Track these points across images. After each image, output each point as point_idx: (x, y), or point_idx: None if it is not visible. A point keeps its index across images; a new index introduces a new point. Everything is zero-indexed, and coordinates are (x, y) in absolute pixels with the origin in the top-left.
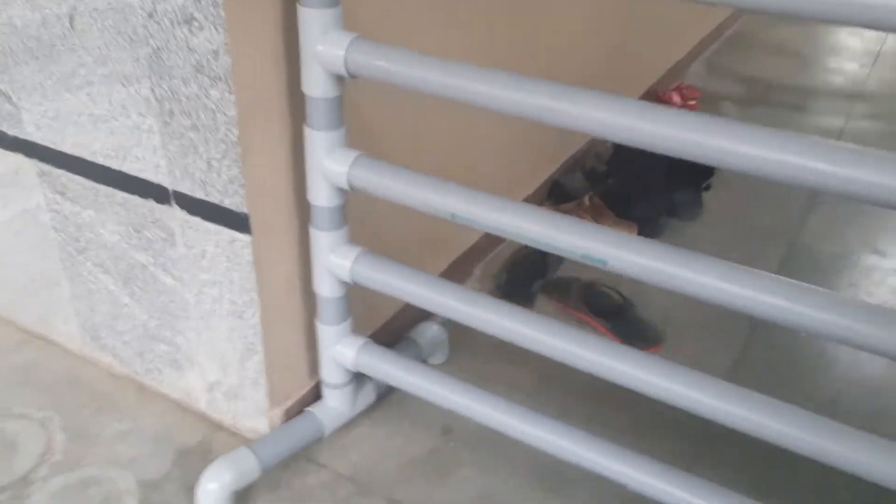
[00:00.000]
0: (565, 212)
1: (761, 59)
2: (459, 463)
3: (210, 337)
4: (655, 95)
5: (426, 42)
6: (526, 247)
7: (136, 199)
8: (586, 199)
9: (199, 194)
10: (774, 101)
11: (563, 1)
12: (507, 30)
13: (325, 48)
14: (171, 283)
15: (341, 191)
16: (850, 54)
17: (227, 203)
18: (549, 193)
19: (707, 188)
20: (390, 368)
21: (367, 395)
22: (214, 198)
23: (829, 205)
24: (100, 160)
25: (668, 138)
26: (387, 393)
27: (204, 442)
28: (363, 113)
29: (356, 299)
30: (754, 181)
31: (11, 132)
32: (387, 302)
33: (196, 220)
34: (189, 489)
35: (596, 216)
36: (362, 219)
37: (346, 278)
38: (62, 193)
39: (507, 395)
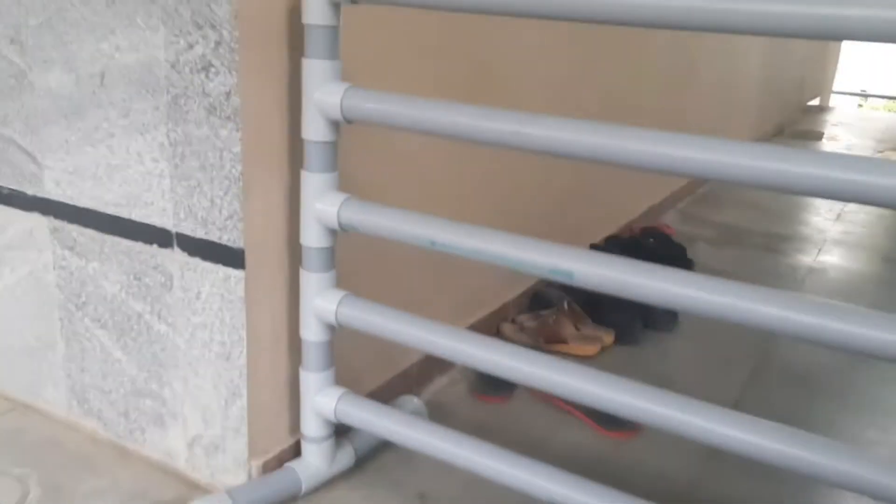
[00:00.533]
0: (546, 317)
1: (733, 211)
2: None
3: (196, 384)
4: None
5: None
6: None
7: (139, 246)
8: (565, 305)
9: (199, 233)
10: (746, 243)
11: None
12: None
13: (324, 95)
14: (164, 330)
15: (331, 232)
16: (815, 210)
17: (225, 239)
18: (531, 303)
19: None
20: (370, 417)
21: (346, 457)
22: (214, 235)
23: None
24: (111, 210)
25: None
26: (366, 457)
27: (180, 498)
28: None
29: (342, 368)
30: None
31: (31, 191)
32: (370, 376)
33: (195, 260)
34: None
35: (575, 321)
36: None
37: (332, 321)
38: (71, 248)
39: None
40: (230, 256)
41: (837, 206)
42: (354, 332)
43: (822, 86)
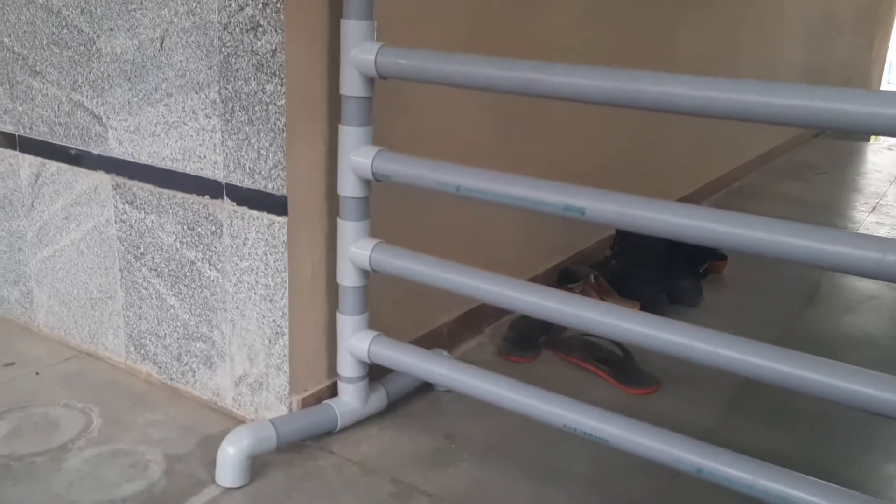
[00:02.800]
0: (573, 290)
1: (766, 205)
2: (459, 459)
3: (243, 326)
4: None
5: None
6: None
7: (193, 198)
8: (592, 278)
9: (247, 183)
10: None
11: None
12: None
13: (359, 53)
14: (214, 276)
15: (366, 182)
16: (850, 203)
17: (270, 188)
18: (559, 278)
19: (704, 274)
20: (401, 357)
21: (379, 400)
22: (260, 184)
23: (826, 301)
24: (168, 165)
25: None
26: (397, 402)
27: (227, 431)
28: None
29: (376, 326)
30: (757, 277)
31: (97, 151)
32: (401, 334)
33: (243, 209)
34: (210, 463)
35: (601, 294)
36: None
37: (366, 266)
38: (131, 203)
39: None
40: (274, 204)
41: (873, 199)
42: (388, 291)
43: (868, 85)
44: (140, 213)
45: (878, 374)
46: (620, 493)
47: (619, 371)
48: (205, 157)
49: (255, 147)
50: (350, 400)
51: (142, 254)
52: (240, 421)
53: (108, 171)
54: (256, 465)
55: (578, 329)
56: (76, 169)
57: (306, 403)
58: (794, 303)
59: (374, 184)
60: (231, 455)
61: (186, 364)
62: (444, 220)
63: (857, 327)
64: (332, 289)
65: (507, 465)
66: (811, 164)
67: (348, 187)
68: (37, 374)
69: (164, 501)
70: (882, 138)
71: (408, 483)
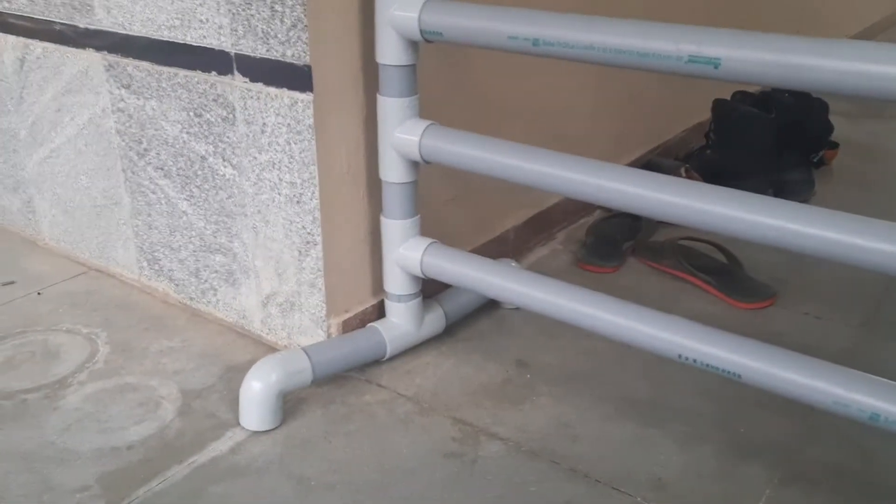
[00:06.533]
0: None
1: None
2: (535, 392)
3: (267, 234)
4: None
5: None
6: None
7: (197, 76)
8: (682, 172)
9: (260, 51)
10: (887, 114)
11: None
12: None
13: None
14: (229, 174)
15: (411, 44)
16: None
17: (290, 56)
18: None
19: (819, 164)
20: (462, 269)
21: (436, 321)
22: (276, 51)
23: None
24: (165, 34)
25: None
26: (458, 323)
27: (254, 360)
28: None
29: (429, 232)
30: (869, 167)
31: (83, 24)
32: (460, 241)
33: (258, 86)
34: (234, 400)
35: None
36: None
37: (416, 155)
38: (127, 87)
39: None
40: (296, 77)
41: None
42: (443, 188)
43: None
44: (139, 98)
45: None
46: (744, 435)
47: (725, 281)
48: (207, 20)
49: (268, 1)
50: (400, 322)
51: (145, 150)
52: (270, 348)
53: (98, 48)
54: (289, 403)
55: (681, 224)
56: (63, 49)
57: (348, 327)
58: None
59: (422, 46)
60: (257, 392)
61: (206, 281)
62: (501, 103)
63: None
64: (375, 186)
65: (595, 401)
66: None
67: (389, 53)
68: (38, 294)
69: (177, 448)
70: None
71: (474, 424)
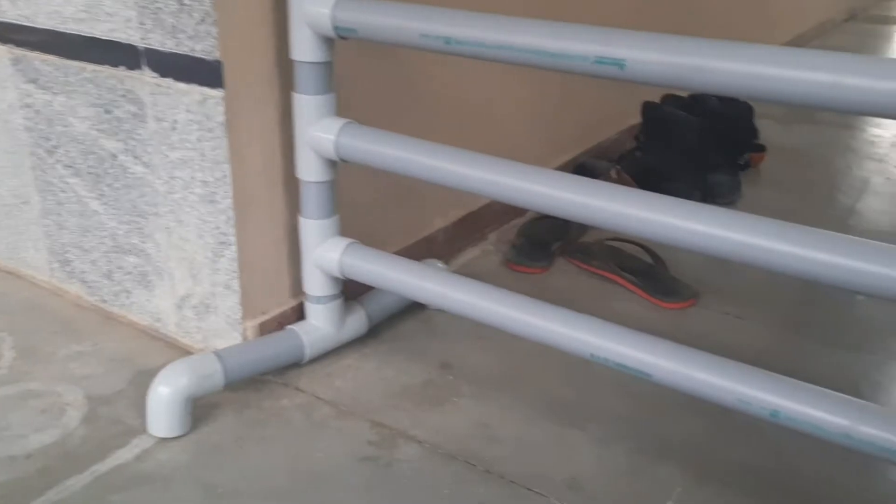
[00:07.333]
0: None
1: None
2: (456, 394)
3: (180, 234)
4: None
5: None
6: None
7: (106, 70)
8: (613, 174)
9: (169, 46)
10: (817, 119)
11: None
12: None
13: None
14: (140, 172)
15: (327, 41)
16: None
17: (199, 50)
18: (574, 173)
19: (745, 167)
20: (382, 270)
21: (358, 323)
22: (185, 46)
23: (880, 196)
24: (71, 27)
25: None
26: (381, 325)
27: (168, 364)
28: None
29: (351, 234)
30: (797, 172)
31: None
32: (384, 243)
33: (167, 81)
34: (143, 406)
35: None
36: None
37: (331, 154)
38: (35, 81)
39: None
40: (206, 72)
41: None
42: (365, 187)
43: None
44: (47, 94)
45: None
46: (658, 435)
47: (649, 281)
48: (115, 13)
49: None
50: (320, 324)
51: (54, 147)
52: (186, 352)
53: (3, 40)
54: (201, 408)
55: (607, 229)
56: None
57: (265, 329)
58: (845, 198)
59: (336, 42)
60: (165, 397)
61: (119, 283)
62: (431, 101)
63: None
64: (292, 185)
65: (516, 402)
66: (843, 48)
67: (304, 49)
68: None
69: (79, 456)
70: None
71: (393, 426)
